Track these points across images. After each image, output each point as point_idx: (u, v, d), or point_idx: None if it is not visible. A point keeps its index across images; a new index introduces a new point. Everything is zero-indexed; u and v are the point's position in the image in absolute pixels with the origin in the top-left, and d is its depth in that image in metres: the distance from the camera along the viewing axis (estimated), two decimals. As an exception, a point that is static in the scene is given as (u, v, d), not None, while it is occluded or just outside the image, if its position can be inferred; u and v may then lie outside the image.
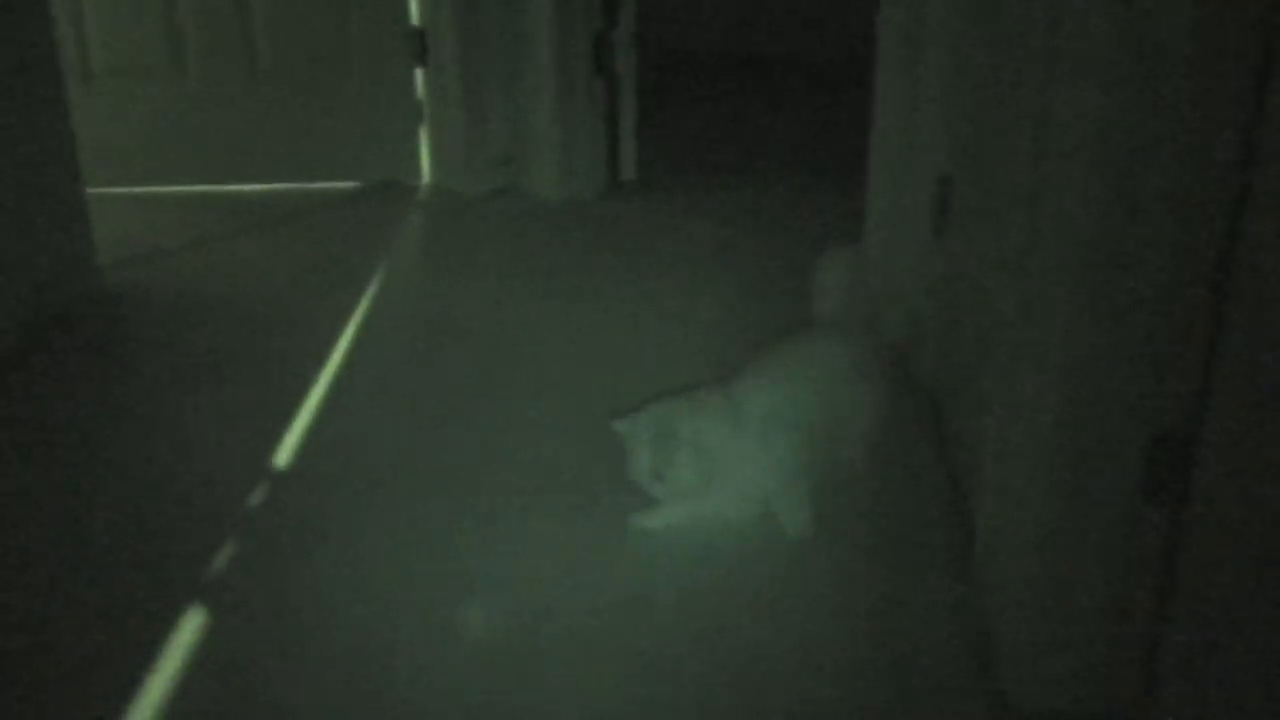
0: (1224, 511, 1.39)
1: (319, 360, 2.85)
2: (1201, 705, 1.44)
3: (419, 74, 4.06)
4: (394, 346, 2.98)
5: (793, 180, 4.18)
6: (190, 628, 1.90)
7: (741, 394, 2.13)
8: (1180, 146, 1.39)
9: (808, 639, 1.86)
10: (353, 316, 3.11)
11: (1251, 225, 1.32)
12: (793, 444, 2.11)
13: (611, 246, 3.62)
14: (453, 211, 3.94)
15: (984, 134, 2.14)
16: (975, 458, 2.05)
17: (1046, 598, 1.61)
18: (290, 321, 3.11)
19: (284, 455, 2.44)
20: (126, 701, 1.73)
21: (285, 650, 1.85)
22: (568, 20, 3.79)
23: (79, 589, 2.00)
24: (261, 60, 4.04)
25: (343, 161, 4.17)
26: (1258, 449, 1.30)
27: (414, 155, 4.17)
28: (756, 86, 5.59)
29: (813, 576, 2.01)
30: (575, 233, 3.73)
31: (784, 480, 2.12)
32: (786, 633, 1.87)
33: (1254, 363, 1.30)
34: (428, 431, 2.53)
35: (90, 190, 3.26)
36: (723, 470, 2.08)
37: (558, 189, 3.96)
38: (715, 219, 3.81)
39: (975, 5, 2.24)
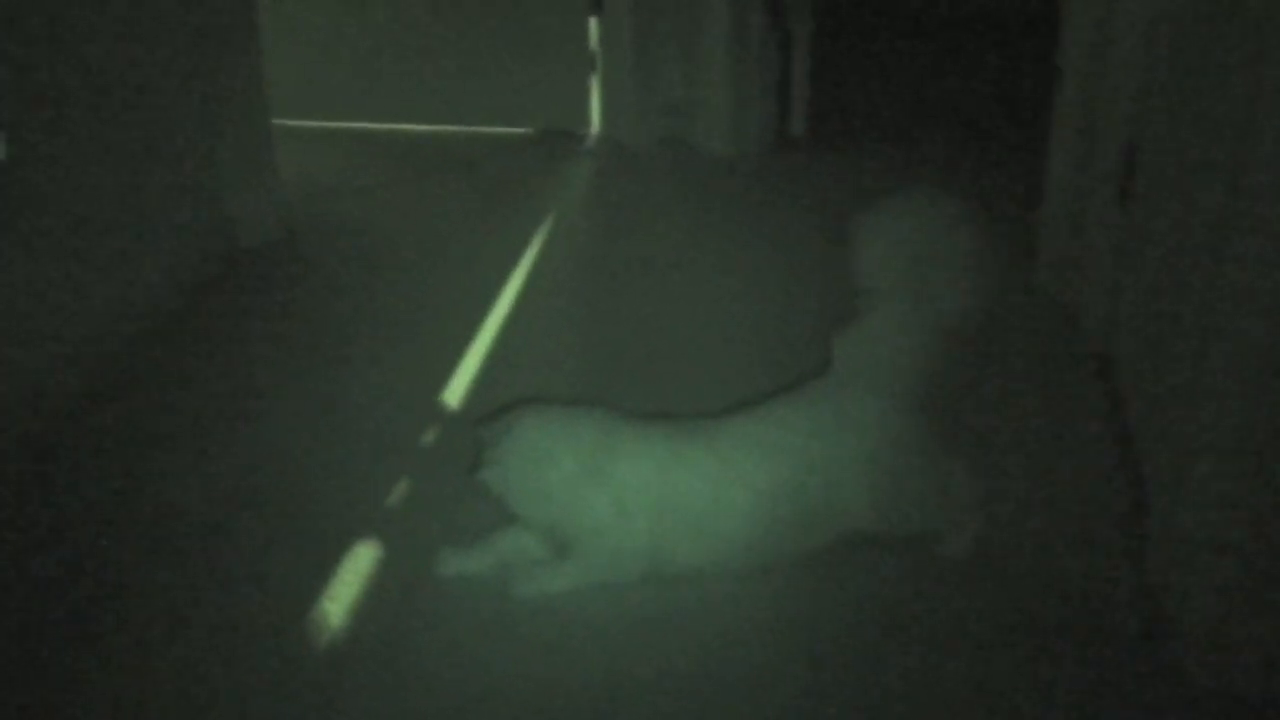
0: None
1: (491, 300, 2.93)
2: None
3: (593, 23, 4.09)
4: (562, 289, 3.03)
5: (965, 138, 4.10)
6: (364, 558, 1.98)
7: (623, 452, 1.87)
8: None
9: (979, 608, 1.85)
10: (522, 260, 3.18)
11: None
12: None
13: (778, 201, 3.61)
14: (620, 161, 3.97)
15: (1179, 101, 2.07)
16: (1152, 429, 2.00)
17: (1234, 577, 1.57)
18: (465, 262, 3.19)
19: (455, 392, 2.51)
20: (304, 621, 1.82)
21: (449, 589, 1.92)
22: (744, -27, 3.77)
23: (257, 521, 2.10)
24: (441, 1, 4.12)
25: (515, 107, 4.24)
26: None
27: (584, 104, 4.21)
28: (930, 41, 5.48)
29: (983, 543, 1.99)
30: (743, 186, 3.73)
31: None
32: (952, 599, 1.87)
33: None
34: (593, 374, 2.57)
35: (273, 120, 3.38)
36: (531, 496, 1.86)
37: (726, 142, 3.96)
38: (884, 178, 3.76)
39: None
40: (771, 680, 1.70)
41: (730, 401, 2.38)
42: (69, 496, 2.14)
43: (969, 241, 1.89)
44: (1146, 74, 2.35)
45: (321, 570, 1.93)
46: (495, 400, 2.46)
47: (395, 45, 4.18)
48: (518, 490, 1.86)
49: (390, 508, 2.12)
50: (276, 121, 3.47)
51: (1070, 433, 2.31)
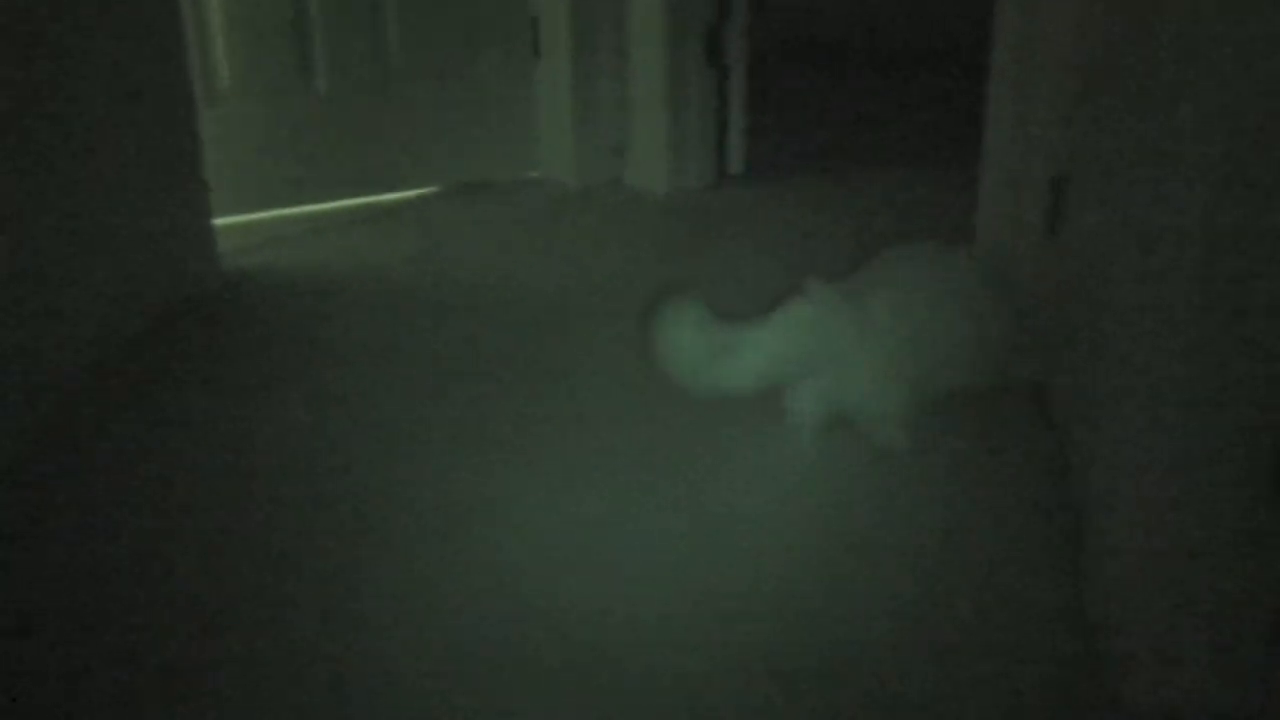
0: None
1: (431, 338, 2.92)
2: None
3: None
4: (501, 329, 3.02)
5: (903, 171, 4.16)
6: (345, 629, 1.96)
7: (866, 293, 2.27)
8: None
9: (912, 633, 1.86)
10: (461, 300, 3.18)
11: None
12: (902, 351, 2.22)
13: (716, 238, 3.64)
14: (560, 202, 3.98)
15: (1104, 130, 2.12)
16: (1085, 454, 2.03)
17: (1167, 598, 1.59)
18: (403, 306, 3.18)
19: (406, 431, 2.49)
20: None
21: (432, 639, 1.91)
22: (680, 11, 3.81)
23: (204, 584, 2.08)
24: (393, 60, 3.95)
25: (462, 159, 4.10)
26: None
27: (525, 148, 4.18)
28: (869, 77, 5.56)
29: (914, 561, 2.01)
30: (681, 224, 3.75)
31: (883, 389, 2.25)
32: (886, 623, 1.88)
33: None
34: (541, 405, 2.57)
35: (218, 220, 3.35)
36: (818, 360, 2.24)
37: (665, 180, 3.99)
38: (823, 213, 3.80)
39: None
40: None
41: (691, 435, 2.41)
42: None
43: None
44: (1073, 105, 2.40)
45: (303, 638, 1.91)
46: (451, 428, 2.46)
47: (344, 116, 3.94)
48: None
49: (349, 560, 2.10)
50: (224, 220, 3.44)
51: (1004, 458, 2.34)
